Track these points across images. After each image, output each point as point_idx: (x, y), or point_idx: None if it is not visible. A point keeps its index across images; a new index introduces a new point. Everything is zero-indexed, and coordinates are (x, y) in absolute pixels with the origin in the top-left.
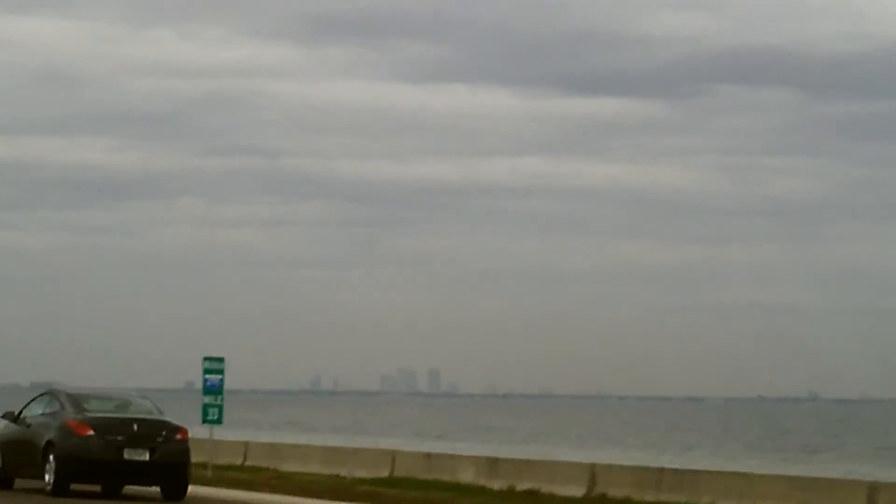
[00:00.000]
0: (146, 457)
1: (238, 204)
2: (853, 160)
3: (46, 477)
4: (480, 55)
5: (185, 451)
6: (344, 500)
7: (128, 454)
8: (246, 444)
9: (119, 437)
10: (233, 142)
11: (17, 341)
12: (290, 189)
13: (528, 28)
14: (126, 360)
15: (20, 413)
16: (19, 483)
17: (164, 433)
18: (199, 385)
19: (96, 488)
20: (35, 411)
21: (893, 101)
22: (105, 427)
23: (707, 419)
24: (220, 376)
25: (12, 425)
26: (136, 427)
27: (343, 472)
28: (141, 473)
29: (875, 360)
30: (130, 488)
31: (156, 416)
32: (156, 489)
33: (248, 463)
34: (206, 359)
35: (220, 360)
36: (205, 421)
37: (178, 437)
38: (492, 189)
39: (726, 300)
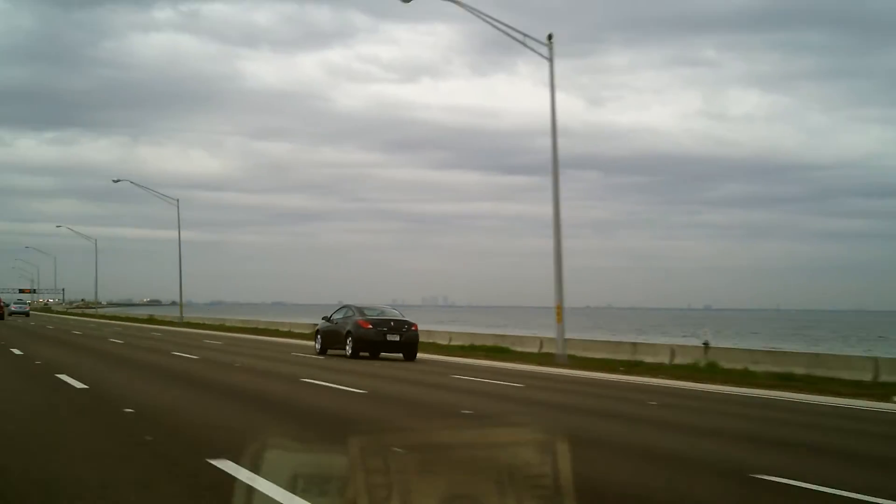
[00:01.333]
0: (398, 338)
1: (357, 222)
2: (623, 203)
3: (346, 349)
4: (465, 157)
5: (417, 335)
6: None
7: (388, 337)
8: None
9: (384, 328)
10: (356, 196)
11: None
12: (379, 217)
13: (484, 146)
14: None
15: (330, 316)
16: (330, 353)
17: (406, 326)
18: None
19: (366, 354)
20: (338, 315)
21: (644, 177)
22: (377, 323)
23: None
24: None
25: (327, 322)
26: (392, 323)
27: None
28: (394, 347)
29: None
30: (385, 354)
31: (401, 317)
32: (399, 355)
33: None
34: None
35: None
36: None
37: (413, 328)
38: (467, 216)
39: (569, 265)
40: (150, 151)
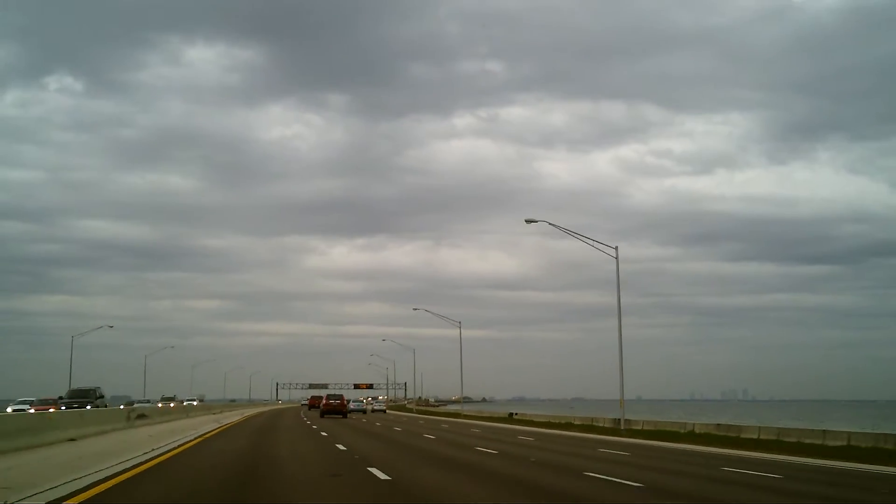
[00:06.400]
0: None
1: (652, 318)
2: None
3: None
4: (761, 248)
5: None
6: None
7: None
8: None
9: None
10: (649, 290)
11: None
12: (674, 311)
13: (780, 236)
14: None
15: None
16: None
17: None
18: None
19: None
20: None
21: None
22: None
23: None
24: None
25: None
26: None
27: None
28: None
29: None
30: None
31: None
32: None
33: None
34: None
35: None
36: None
37: None
38: (763, 308)
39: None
40: (452, 253)
